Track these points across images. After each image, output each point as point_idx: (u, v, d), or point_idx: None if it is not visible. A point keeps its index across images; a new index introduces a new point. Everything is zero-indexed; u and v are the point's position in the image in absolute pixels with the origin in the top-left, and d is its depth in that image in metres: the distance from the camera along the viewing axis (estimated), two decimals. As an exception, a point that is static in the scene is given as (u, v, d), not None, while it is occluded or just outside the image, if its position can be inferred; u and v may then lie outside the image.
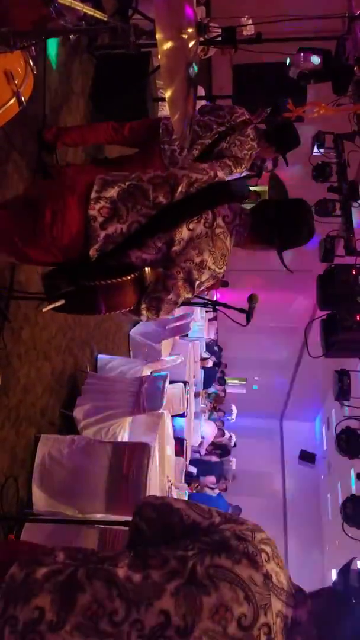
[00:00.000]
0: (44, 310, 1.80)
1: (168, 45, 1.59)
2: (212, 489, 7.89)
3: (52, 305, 1.77)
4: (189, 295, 1.84)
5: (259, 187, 7.06)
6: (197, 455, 8.66)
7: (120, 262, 1.78)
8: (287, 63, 3.93)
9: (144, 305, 1.82)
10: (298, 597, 1.01)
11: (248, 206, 1.95)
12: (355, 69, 3.89)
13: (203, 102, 4.40)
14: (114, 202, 1.78)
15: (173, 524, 1.07)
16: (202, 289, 1.89)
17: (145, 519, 1.09)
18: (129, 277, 1.76)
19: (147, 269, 1.83)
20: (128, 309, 1.83)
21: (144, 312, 1.83)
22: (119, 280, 1.74)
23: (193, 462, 7.46)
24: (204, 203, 1.80)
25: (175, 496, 4.55)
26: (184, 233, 1.77)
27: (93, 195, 1.77)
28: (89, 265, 1.76)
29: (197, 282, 1.79)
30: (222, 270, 1.83)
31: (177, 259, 1.77)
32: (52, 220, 1.74)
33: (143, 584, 0.94)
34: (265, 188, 4.50)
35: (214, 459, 9.33)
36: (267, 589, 0.95)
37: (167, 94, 1.63)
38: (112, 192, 1.79)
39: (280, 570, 1.00)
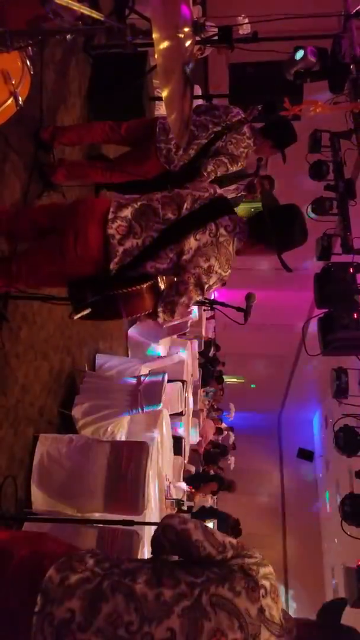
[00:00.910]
0: (75, 318, 2.02)
1: (164, 44, 1.59)
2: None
3: (81, 314, 2.00)
4: (200, 298, 2.07)
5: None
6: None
7: (137, 273, 2.00)
8: (298, 57, 3.82)
9: (160, 309, 2.05)
10: (285, 628, 1.17)
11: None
12: (351, 67, 3.89)
13: (199, 102, 4.40)
14: (129, 220, 2.01)
15: (190, 552, 1.23)
16: (210, 291, 2.15)
17: (168, 539, 1.26)
18: (145, 285, 2.00)
19: (160, 278, 2.07)
20: (146, 312, 2.07)
21: (160, 314, 2.06)
22: (137, 288, 1.99)
23: (191, 478, 7.44)
24: (207, 216, 2.04)
25: (173, 495, 4.57)
26: (192, 243, 2.00)
27: (110, 215, 2.00)
28: (110, 277, 1.99)
29: (206, 286, 2.02)
30: (227, 274, 2.06)
31: (187, 266, 2.00)
32: (75, 241, 1.98)
33: (156, 602, 1.13)
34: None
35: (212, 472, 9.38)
36: (260, 621, 1.13)
37: (164, 93, 1.65)
38: (127, 212, 2.02)
39: (274, 604, 1.17)
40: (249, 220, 2.11)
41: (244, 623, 1.10)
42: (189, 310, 2.10)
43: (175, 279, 2.05)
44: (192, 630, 1.09)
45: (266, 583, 1.17)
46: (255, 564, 1.20)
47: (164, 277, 2.11)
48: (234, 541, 1.24)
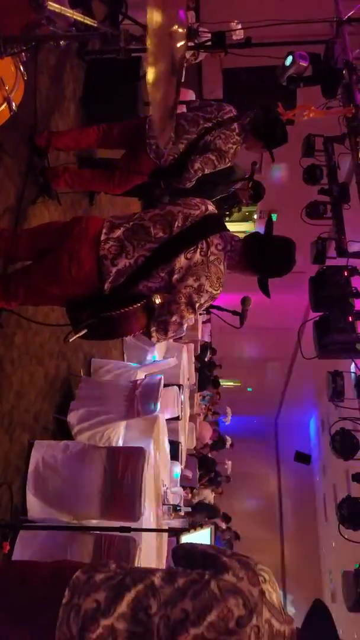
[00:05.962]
0: (70, 340, 2.06)
1: (157, 20, 1.51)
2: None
3: (78, 335, 2.04)
4: (191, 316, 2.09)
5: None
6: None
7: (131, 292, 2.02)
8: (288, 62, 3.87)
9: (153, 328, 2.07)
10: (286, 619, 1.33)
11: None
12: (344, 72, 3.92)
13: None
14: (121, 240, 2.03)
15: (196, 560, 1.47)
16: (202, 309, 2.14)
17: (179, 556, 1.55)
18: (139, 305, 2.02)
19: (153, 296, 2.08)
20: (140, 332, 2.09)
21: (153, 334, 2.08)
22: (131, 308, 2.00)
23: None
24: (198, 235, 2.05)
25: (170, 501, 4.56)
26: (182, 262, 2.02)
27: (102, 237, 2.03)
28: (104, 298, 2.01)
29: (197, 304, 2.04)
30: (218, 292, 2.08)
31: (178, 285, 2.02)
32: (70, 263, 2.02)
33: (171, 589, 1.32)
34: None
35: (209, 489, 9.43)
36: (261, 601, 1.29)
37: (149, 75, 1.55)
38: (119, 233, 2.04)
39: (273, 591, 1.33)
40: (244, 245, 2.12)
41: (247, 602, 1.27)
42: (183, 328, 2.14)
43: (166, 298, 2.07)
44: (203, 609, 1.26)
45: (264, 574, 1.34)
46: (251, 560, 1.38)
47: (158, 295, 2.11)
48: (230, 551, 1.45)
